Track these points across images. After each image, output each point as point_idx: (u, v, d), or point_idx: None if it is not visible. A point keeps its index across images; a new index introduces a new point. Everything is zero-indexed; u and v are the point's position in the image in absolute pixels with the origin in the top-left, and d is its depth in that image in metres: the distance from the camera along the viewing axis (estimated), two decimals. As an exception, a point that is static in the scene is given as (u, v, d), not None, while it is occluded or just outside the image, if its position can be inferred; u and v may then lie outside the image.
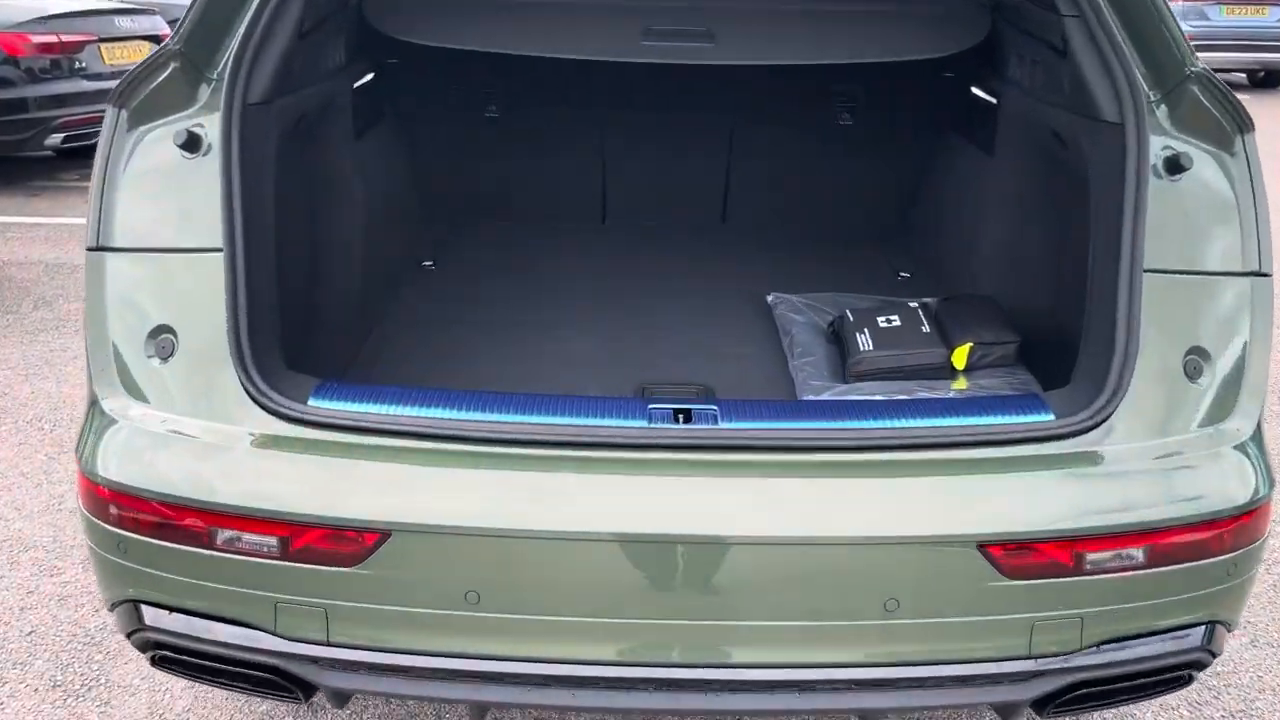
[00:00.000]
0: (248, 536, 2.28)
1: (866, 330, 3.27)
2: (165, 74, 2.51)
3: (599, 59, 3.56)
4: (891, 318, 3.33)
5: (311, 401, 2.45)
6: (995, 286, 3.62)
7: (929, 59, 3.75)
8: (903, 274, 4.29)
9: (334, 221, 3.51)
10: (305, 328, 3.26)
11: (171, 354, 2.37)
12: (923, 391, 3.08)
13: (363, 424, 2.37)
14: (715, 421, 2.46)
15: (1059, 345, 3.24)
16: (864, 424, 2.40)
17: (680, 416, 2.49)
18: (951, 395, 3.02)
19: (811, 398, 3.06)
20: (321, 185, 3.48)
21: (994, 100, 3.71)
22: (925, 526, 2.27)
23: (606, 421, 2.42)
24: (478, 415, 2.43)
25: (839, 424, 2.40)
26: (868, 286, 4.10)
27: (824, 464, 2.35)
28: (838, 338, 3.40)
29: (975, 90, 3.90)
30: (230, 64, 2.53)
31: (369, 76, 3.86)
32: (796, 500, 2.31)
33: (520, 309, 3.84)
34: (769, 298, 3.84)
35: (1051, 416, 2.44)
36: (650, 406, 2.51)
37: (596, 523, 2.32)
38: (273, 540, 2.27)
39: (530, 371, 3.37)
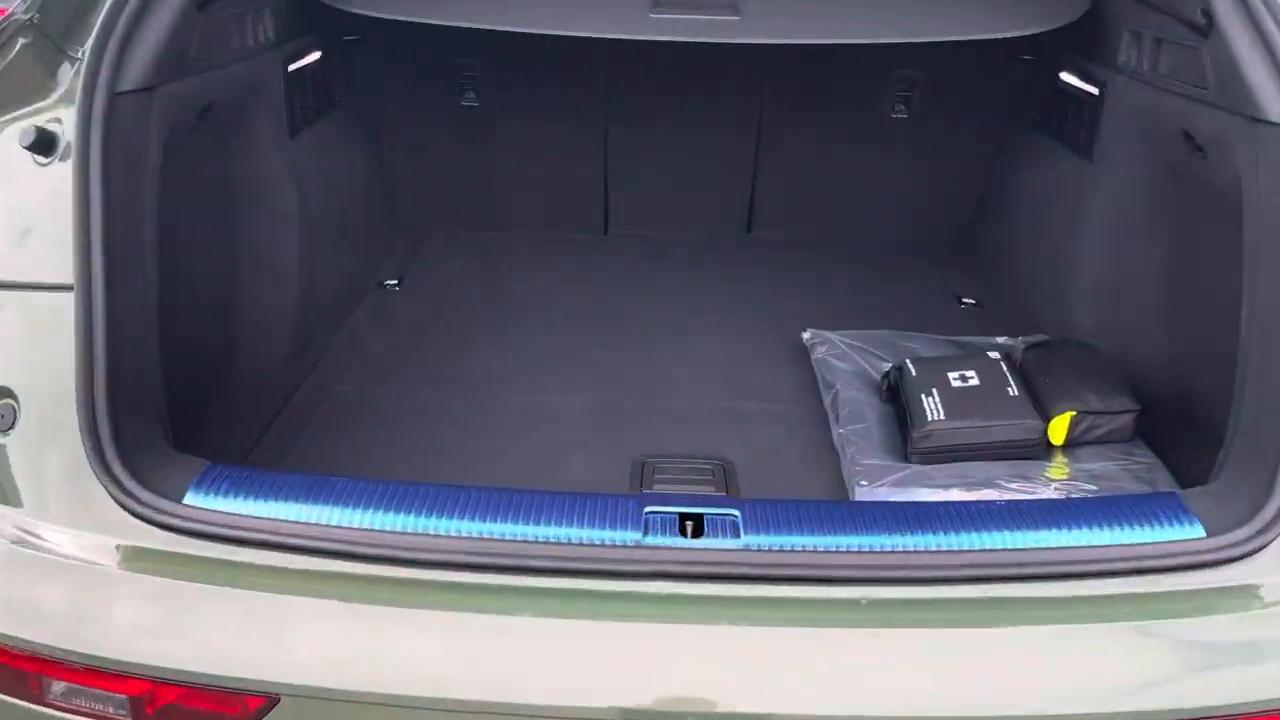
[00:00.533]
0: (89, 693, 1.76)
1: (935, 391, 2.51)
2: (12, 53, 2.03)
3: (599, 36, 2.82)
4: (967, 373, 2.57)
5: (189, 498, 1.83)
6: (1093, 329, 2.85)
7: (1008, 38, 2.97)
8: (966, 301, 3.52)
9: (257, 241, 2.79)
10: (208, 384, 2.55)
11: (11, 426, 1.82)
12: (1009, 480, 2.32)
13: (251, 533, 1.78)
14: (737, 534, 1.81)
15: (1185, 415, 2.49)
16: (954, 540, 1.75)
17: (688, 526, 1.83)
18: (1055, 490, 2.27)
19: (865, 487, 2.31)
20: (240, 195, 2.76)
21: (1095, 91, 2.93)
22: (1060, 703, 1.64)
23: (586, 534, 1.79)
24: (412, 522, 1.79)
25: (919, 539, 1.75)
26: (926, 318, 3.34)
27: (903, 604, 1.73)
28: (895, 396, 2.65)
29: (1067, 78, 3.12)
30: (94, 39, 1.90)
31: (312, 58, 3.12)
32: (863, 661, 1.69)
33: (497, 347, 3.10)
34: (805, 335, 3.08)
35: (1201, 531, 1.77)
36: (647, 511, 1.84)
37: (569, 694, 1.68)
38: (121, 700, 1.74)
39: (501, 436, 2.64)
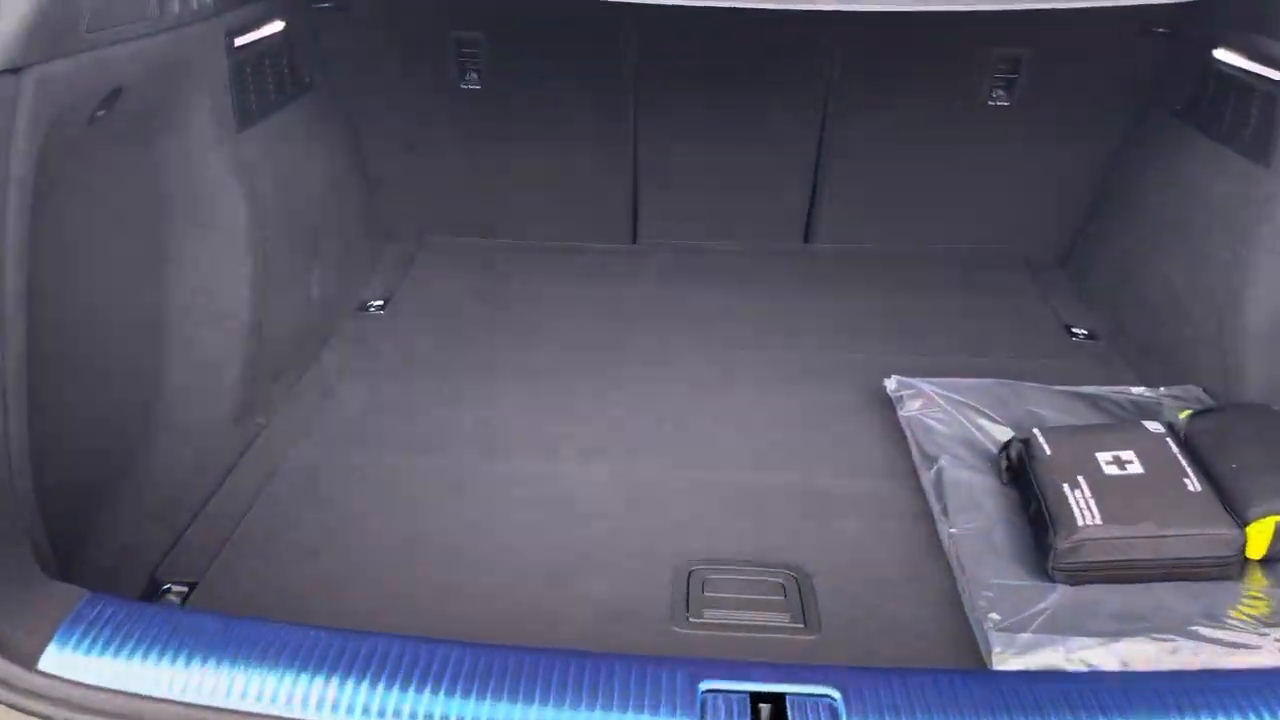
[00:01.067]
0: None
1: (1082, 481, 1.86)
2: None
3: (628, 1, 2.18)
4: (1123, 455, 1.92)
5: (49, 657, 1.30)
6: (1268, 384, 2.20)
7: (1148, 5, 2.30)
8: (1077, 331, 2.86)
9: (192, 267, 2.18)
10: (114, 466, 1.96)
11: None
12: (1205, 624, 1.67)
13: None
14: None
15: None
16: None
17: (764, 712, 1.28)
18: (1277, 643, 1.62)
19: (1003, 639, 1.66)
20: (170, 209, 2.16)
21: (1276, 75, 2.26)
22: None
23: None
24: (358, 702, 1.24)
25: None
26: (1029, 355, 2.71)
27: None
28: (1019, 478, 2.01)
29: (1229, 58, 2.45)
30: None
31: (270, 29, 2.49)
32: None
33: (499, 395, 2.47)
34: (889, 384, 2.44)
35: None
36: (704, 689, 1.30)
37: None
38: None
39: (500, 528, 2.02)
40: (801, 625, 1.77)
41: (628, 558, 1.92)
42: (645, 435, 2.33)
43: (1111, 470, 1.89)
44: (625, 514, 2.05)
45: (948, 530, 1.93)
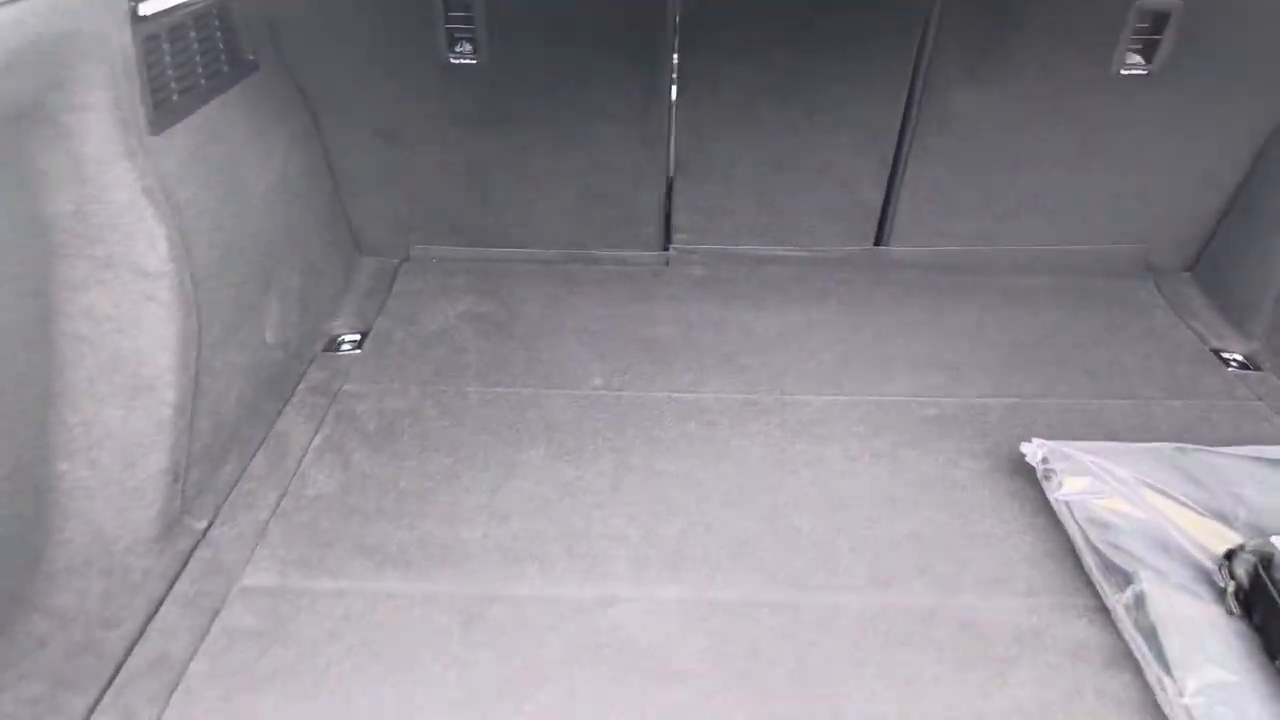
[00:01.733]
0: None
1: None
2: None
3: None
4: None
5: None
6: None
7: None
8: (1231, 358, 2.30)
9: (88, 320, 1.58)
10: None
11: None
12: None
13: None
14: None
15: None
16: None
17: None
18: None
19: None
20: (55, 242, 1.54)
21: None
22: None
23: None
24: None
25: None
26: (1178, 390, 2.14)
27: None
28: (1259, 612, 1.44)
29: None
30: None
31: None
32: None
33: (516, 477, 1.87)
34: (1027, 451, 1.86)
35: None
36: None
37: None
38: None
39: (533, 694, 1.43)
40: None
41: None
42: (717, 537, 1.73)
43: None
44: (707, 672, 1.46)
45: (1178, 701, 1.36)
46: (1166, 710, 1.37)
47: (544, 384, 2.17)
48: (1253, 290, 2.41)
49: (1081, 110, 2.40)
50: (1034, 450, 1.85)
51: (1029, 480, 1.86)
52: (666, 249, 2.69)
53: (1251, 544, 1.50)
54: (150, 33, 1.69)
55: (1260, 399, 2.15)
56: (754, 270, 2.65)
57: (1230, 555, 1.51)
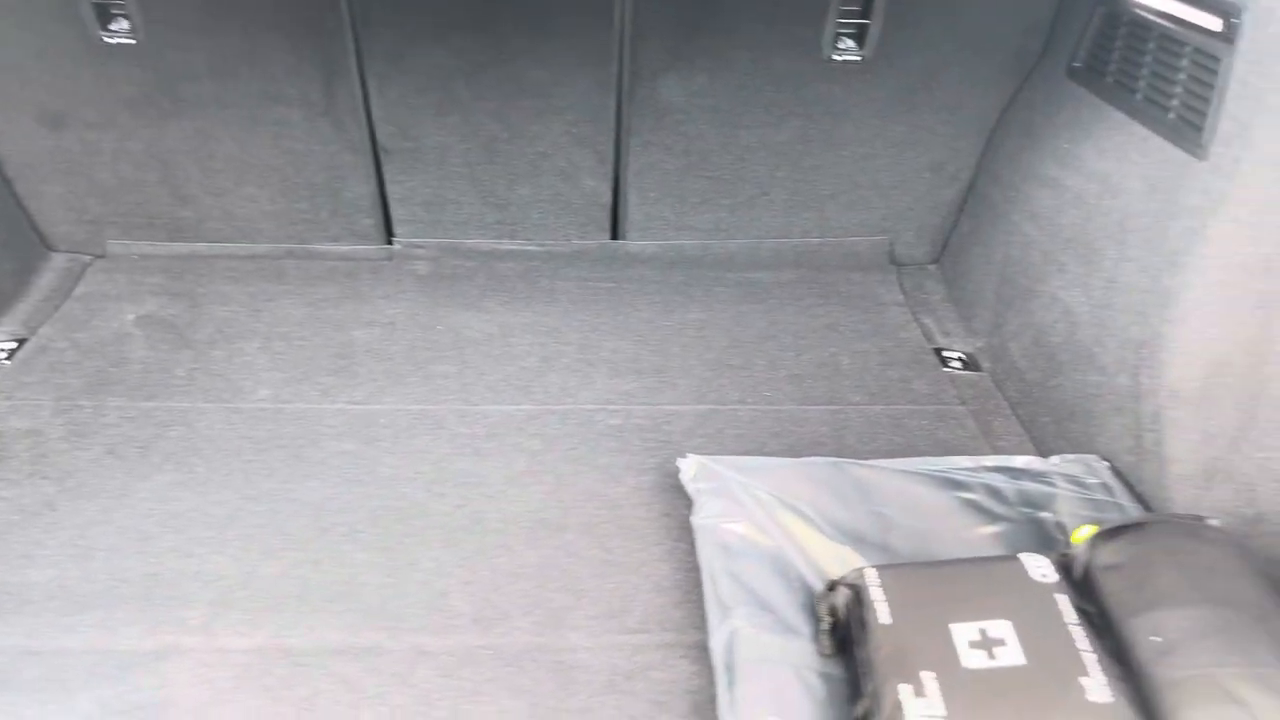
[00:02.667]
0: None
1: (933, 676, 1.19)
2: None
3: None
4: (991, 628, 1.24)
5: None
6: (1201, 473, 1.57)
7: None
8: (952, 358, 2.21)
9: None
10: None
11: None
12: None
13: None
14: None
15: None
16: None
17: None
18: None
19: None
20: None
21: (1217, 26, 1.58)
22: None
23: None
24: None
25: None
26: (891, 392, 2.05)
27: None
28: (846, 647, 1.33)
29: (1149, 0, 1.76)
30: None
31: None
32: None
33: (104, 499, 1.70)
34: (683, 469, 1.74)
35: None
36: None
37: None
38: None
39: None
40: None
41: None
42: (322, 575, 1.58)
43: (976, 659, 1.22)
44: None
45: (732, 755, 1.25)
46: (728, 767, 1.26)
47: (202, 398, 1.99)
48: (979, 286, 2.32)
49: (801, 99, 2.27)
50: (689, 469, 1.74)
51: (687, 500, 1.74)
52: (390, 243, 2.52)
53: (849, 575, 1.39)
54: None
55: (964, 403, 2.06)
56: (483, 266, 2.50)
57: (831, 587, 1.41)
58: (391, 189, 2.41)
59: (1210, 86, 1.57)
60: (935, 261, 2.57)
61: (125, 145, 2.29)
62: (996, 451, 1.91)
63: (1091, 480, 1.70)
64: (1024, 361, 2.05)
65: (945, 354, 2.24)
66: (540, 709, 1.37)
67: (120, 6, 2.08)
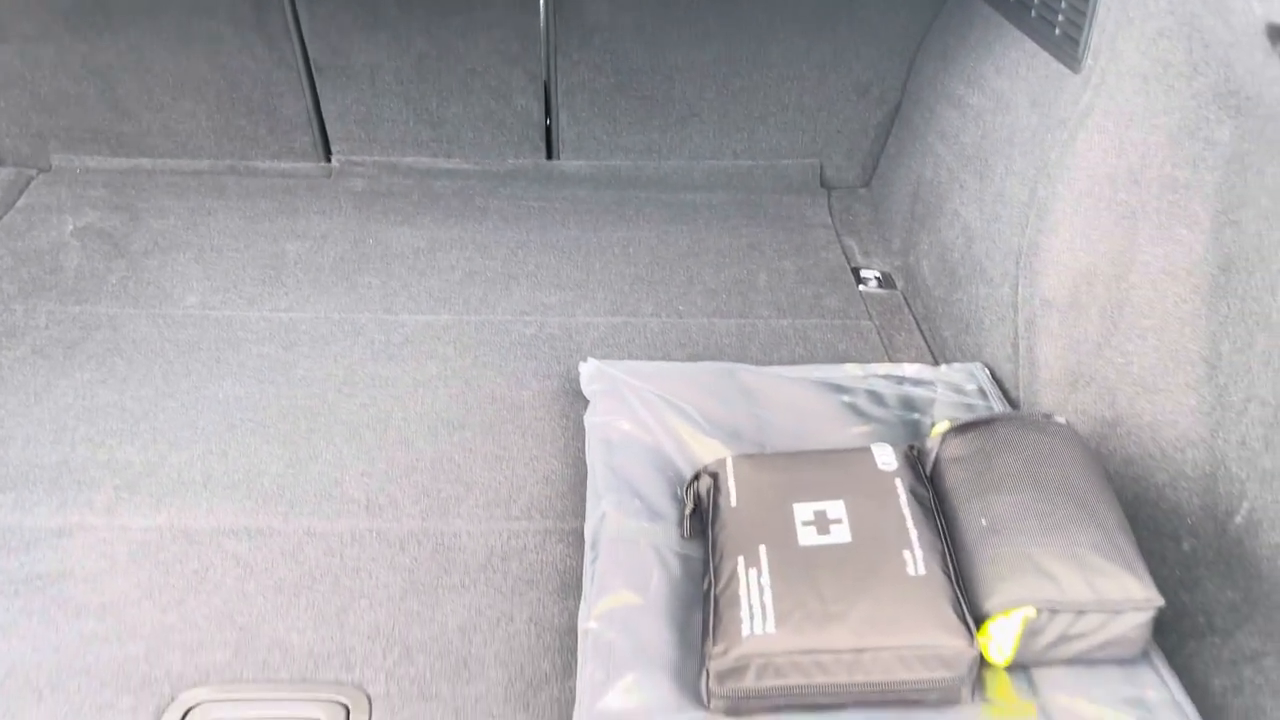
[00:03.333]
0: None
1: (763, 555, 1.27)
2: None
3: None
4: (830, 509, 1.32)
5: None
6: (1063, 378, 1.63)
7: None
8: (869, 276, 2.27)
9: None
10: None
11: None
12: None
13: None
14: None
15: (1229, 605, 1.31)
16: None
17: None
18: None
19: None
20: None
21: None
22: None
23: None
24: None
25: None
26: (804, 310, 2.11)
27: None
28: (704, 534, 1.42)
29: None
30: None
31: None
32: None
33: (23, 395, 1.78)
34: (583, 372, 1.81)
35: None
36: None
37: None
38: None
39: None
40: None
41: (101, 685, 1.29)
42: (227, 464, 1.66)
43: (809, 536, 1.30)
44: (133, 604, 1.41)
45: (585, 625, 1.33)
46: (580, 639, 1.34)
47: (133, 304, 2.06)
48: (898, 206, 2.36)
49: (726, 19, 2.30)
50: (588, 371, 1.81)
51: (585, 403, 1.81)
52: (328, 160, 2.57)
53: (711, 464, 1.47)
54: None
55: (871, 319, 2.12)
56: (419, 184, 2.55)
57: (697, 477, 1.48)
58: (326, 107, 2.46)
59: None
60: (866, 185, 2.61)
61: (64, 59, 2.34)
62: (894, 363, 1.98)
63: (970, 386, 1.77)
64: (931, 278, 2.10)
65: (863, 273, 2.30)
66: (418, 584, 1.46)
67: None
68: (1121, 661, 1.25)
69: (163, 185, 2.49)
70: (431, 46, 2.35)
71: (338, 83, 2.41)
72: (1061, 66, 1.67)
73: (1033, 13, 1.84)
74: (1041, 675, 1.25)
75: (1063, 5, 1.71)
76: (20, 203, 2.40)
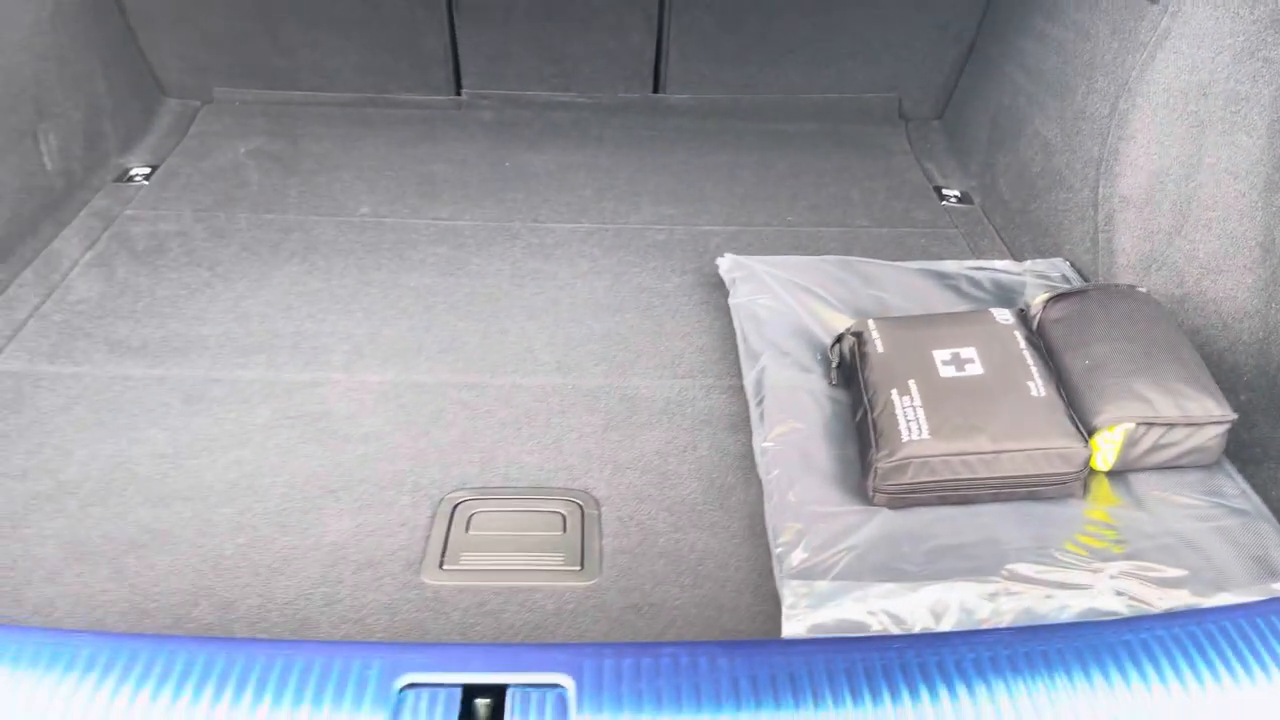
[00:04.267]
0: None
1: (913, 385, 1.59)
2: None
3: None
4: (963, 352, 1.64)
5: None
6: (1138, 263, 1.93)
7: None
8: (950, 194, 2.57)
9: None
10: None
11: None
12: (1031, 562, 1.43)
13: None
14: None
15: None
16: None
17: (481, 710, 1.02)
18: (1113, 584, 1.38)
19: (798, 593, 1.39)
20: None
21: None
22: None
23: None
24: None
25: None
26: (893, 224, 2.40)
27: None
28: (850, 382, 1.73)
29: None
30: None
31: None
32: None
33: (264, 288, 2.10)
34: (721, 265, 2.12)
35: None
36: (403, 685, 1.03)
37: None
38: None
39: (228, 458, 1.67)
40: (578, 567, 1.49)
41: (382, 489, 1.61)
42: (434, 336, 1.98)
43: (948, 372, 1.61)
44: (390, 434, 1.73)
45: (760, 444, 1.65)
46: (758, 460, 1.66)
47: (313, 212, 2.37)
48: (975, 136, 2.66)
49: None
50: (726, 264, 2.12)
51: (723, 291, 2.12)
52: (459, 94, 2.87)
53: (854, 325, 1.78)
54: None
55: (956, 227, 2.42)
56: (539, 115, 2.85)
57: (840, 337, 1.79)
58: (463, 43, 2.75)
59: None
60: (939, 117, 2.91)
61: (233, 1, 2.64)
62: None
63: (1054, 274, 2.08)
64: (1008, 192, 2.41)
65: (944, 191, 2.60)
66: (613, 422, 1.77)
67: None
68: (1201, 467, 1.57)
69: (314, 115, 2.78)
70: None
71: (475, 21, 2.70)
72: (1141, -1, 1.97)
73: (1112, -47, 2.13)
74: (1136, 478, 1.57)
75: (1141, -55, 2.00)
76: (193, 130, 2.70)
